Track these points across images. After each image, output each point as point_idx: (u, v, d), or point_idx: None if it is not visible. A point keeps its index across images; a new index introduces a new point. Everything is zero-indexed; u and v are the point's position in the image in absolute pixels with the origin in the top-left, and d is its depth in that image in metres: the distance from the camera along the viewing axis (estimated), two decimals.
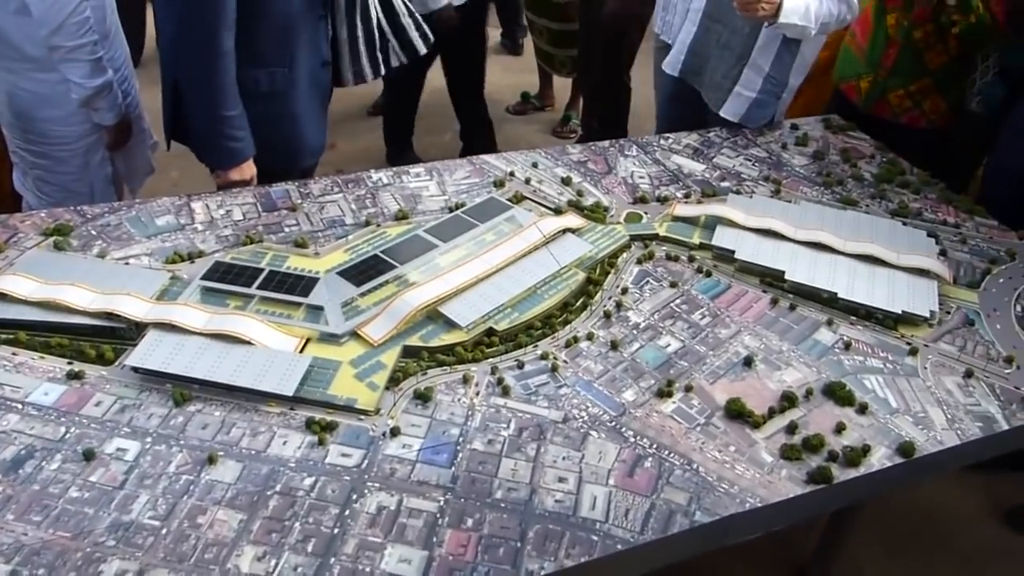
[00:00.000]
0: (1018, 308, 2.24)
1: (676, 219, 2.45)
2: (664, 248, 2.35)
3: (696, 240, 2.38)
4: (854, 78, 3.09)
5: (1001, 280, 2.35)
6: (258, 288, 2.02)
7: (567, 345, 2.00)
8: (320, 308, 1.99)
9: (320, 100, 2.53)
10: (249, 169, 2.44)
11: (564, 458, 1.73)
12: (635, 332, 2.06)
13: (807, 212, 2.50)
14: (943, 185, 2.75)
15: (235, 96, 2.29)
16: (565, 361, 1.96)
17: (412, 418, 1.78)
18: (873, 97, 3.04)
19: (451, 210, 2.38)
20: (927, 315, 2.16)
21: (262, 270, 2.08)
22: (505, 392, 1.85)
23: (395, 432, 1.75)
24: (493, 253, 2.18)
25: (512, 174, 2.59)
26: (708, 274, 2.27)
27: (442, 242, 2.20)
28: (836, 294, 2.20)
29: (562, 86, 5.34)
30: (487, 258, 2.16)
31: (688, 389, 1.91)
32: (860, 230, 2.43)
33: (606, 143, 2.83)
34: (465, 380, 1.87)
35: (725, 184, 2.67)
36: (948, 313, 2.21)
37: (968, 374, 2.01)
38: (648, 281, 2.23)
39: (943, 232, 2.52)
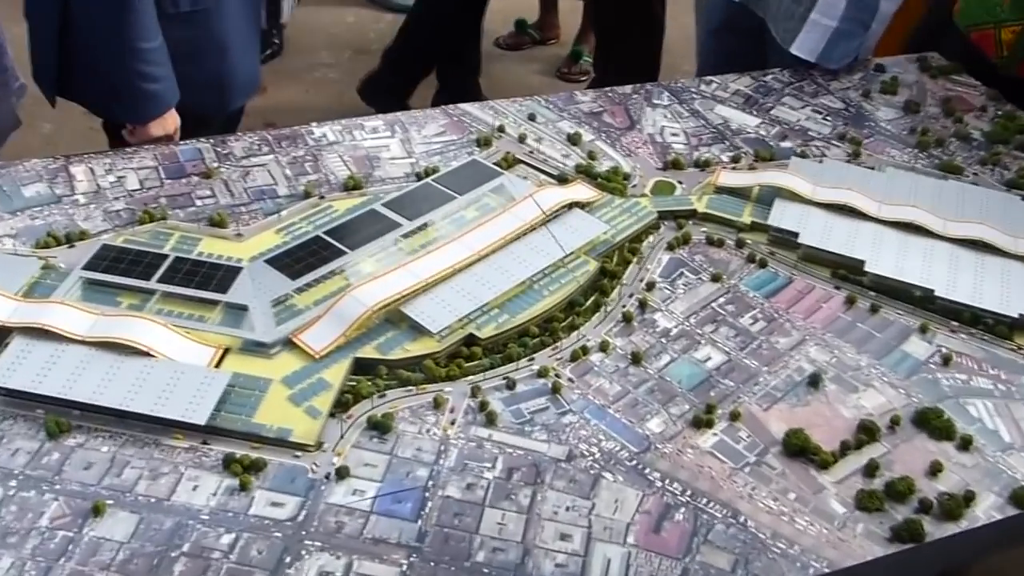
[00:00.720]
0: None
1: (720, 190, 2.46)
2: (704, 229, 2.37)
3: (747, 219, 2.39)
4: (991, 24, 3.04)
5: None
6: (160, 281, 2.03)
7: (573, 358, 2.01)
8: (243, 308, 2.00)
9: (252, 20, 2.55)
10: (172, 120, 2.45)
11: (568, 508, 1.74)
12: (664, 341, 2.07)
13: (895, 182, 2.51)
14: None
15: (153, 22, 2.30)
16: (571, 380, 1.97)
17: (365, 455, 1.80)
18: (1020, 54, 3.01)
19: (419, 177, 2.39)
20: None
21: (165, 257, 2.09)
22: (490, 420, 1.87)
23: (343, 473, 1.76)
24: (475, 235, 2.19)
25: (502, 129, 2.60)
26: (762, 264, 2.29)
27: (407, 220, 2.21)
28: (933, 292, 2.22)
29: (570, 11, 5.36)
30: (467, 242, 2.17)
31: (734, 417, 1.93)
32: (966, 207, 2.44)
33: (628, 88, 2.85)
34: (436, 404, 1.88)
35: (786, 144, 2.68)
36: None
37: None
38: (682, 273, 2.24)
39: None
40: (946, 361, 2.08)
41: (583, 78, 5.12)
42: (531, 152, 2.54)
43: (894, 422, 1.94)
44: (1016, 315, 2.17)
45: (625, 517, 1.74)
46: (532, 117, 2.66)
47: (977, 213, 2.42)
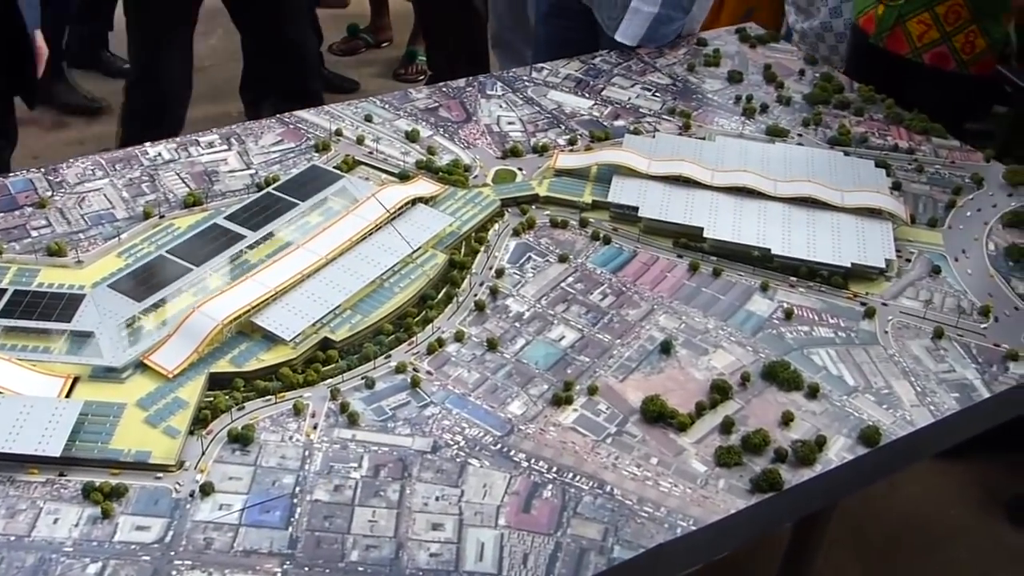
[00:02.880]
0: (991, 247, 2.38)
1: (560, 173, 2.50)
2: (547, 212, 2.40)
3: (588, 198, 2.43)
4: (872, 5, 3.18)
5: (968, 213, 2.49)
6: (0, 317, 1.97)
7: (430, 351, 2.02)
8: (89, 334, 1.95)
9: None
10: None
11: (438, 498, 1.75)
12: (518, 325, 2.09)
13: (726, 150, 2.58)
14: (890, 100, 2.89)
15: None
16: (429, 372, 1.98)
17: (229, 468, 1.77)
18: (888, 25, 3.11)
19: (260, 188, 2.37)
20: (883, 266, 2.27)
21: (3, 292, 2.02)
22: (352, 421, 1.86)
23: (207, 490, 1.73)
24: (321, 240, 2.18)
25: (339, 133, 2.59)
26: (606, 241, 2.33)
27: (251, 231, 2.18)
28: (770, 250, 2.29)
29: (402, 14, 5.35)
30: (313, 247, 2.16)
31: (592, 391, 1.96)
32: (793, 167, 2.53)
33: (461, 82, 2.86)
34: (297, 411, 1.87)
35: (620, 123, 2.73)
36: (908, 261, 2.33)
37: (938, 334, 2.13)
38: (530, 257, 2.27)
39: (895, 160, 2.65)
40: (788, 315, 2.15)
41: (420, 77, 5.12)
42: (371, 153, 2.53)
43: (744, 379, 2.00)
44: (848, 265, 2.26)
45: (495, 500, 1.75)
46: (369, 118, 2.65)
47: (804, 172, 2.50)
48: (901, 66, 3.13)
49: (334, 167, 2.42)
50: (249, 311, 2.01)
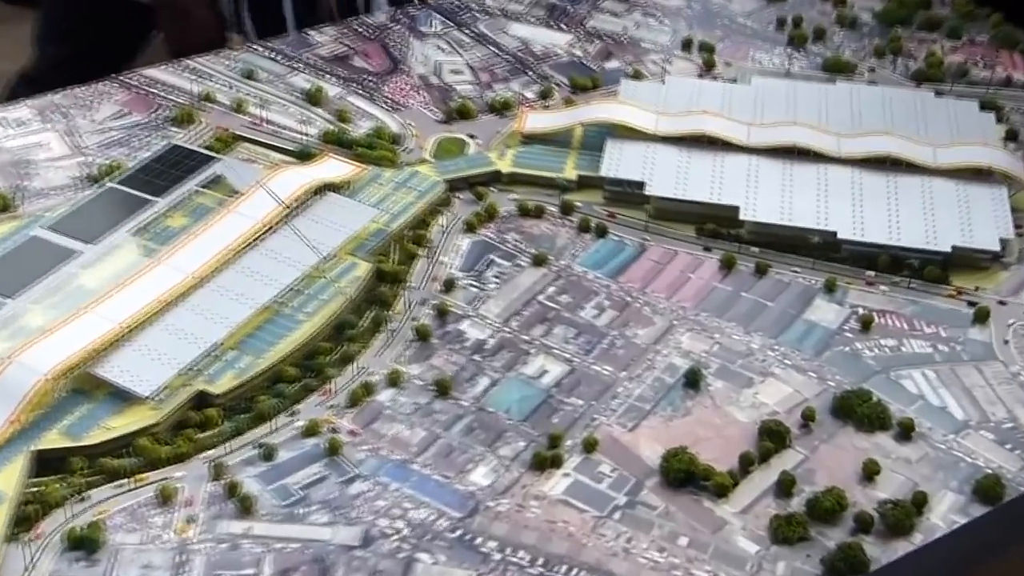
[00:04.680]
0: None
1: (529, 140, 2.51)
2: (514, 196, 2.41)
3: (571, 174, 2.44)
4: None
5: None
6: None
7: (353, 403, 2.01)
8: None
9: None
10: None
11: None
12: (479, 359, 2.09)
13: (766, 96, 2.60)
14: (998, 15, 2.92)
15: None
16: (353, 433, 1.97)
17: None
18: None
19: (95, 181, 2.36)
20: (997, 249, 2.28)
21: None
22: (245, 508, 1.85)
23: None
24: (188, 251, 2.17)
25: (208, 97, 2.59)
26: (601, 232, 2.34)
27: (85, 244, 2.18)
28: (835, 234, 2.30)
29: None
30: (177, 262, 2.15)
31: (590, 447, 1.96)
32: (864, 115, 2.54)
33: (382, 17, 2.87)
34: (164, 498, 1.86)
35: (613, 65, 2.74)
36: None
37: None
38: (492, 261, 2.27)
39: (1008, 99, 2.68)
40: (866, 325, 2.17)
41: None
42: (255, 123, 2.53)
43: (807, 417, 2.01)
44: (948, 249, 2.28)
45: None
46: (250, 74, 2.66)
47: (880, 121, 2.52)
48: None
49: (203, 146, 2.42)
50: (88, 358, 2.00)
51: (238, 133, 2.46)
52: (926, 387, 2.07)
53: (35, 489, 1.87)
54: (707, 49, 2.72)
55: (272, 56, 2.67)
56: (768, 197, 2.34)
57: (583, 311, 2.17)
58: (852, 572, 1.81)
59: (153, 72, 2.62)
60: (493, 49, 2.71)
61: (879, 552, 1.84)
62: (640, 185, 2.35)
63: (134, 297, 2.10)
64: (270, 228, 2.24)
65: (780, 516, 1.87)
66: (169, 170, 2.31)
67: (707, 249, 2.29)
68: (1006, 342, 2.14)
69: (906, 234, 2.28)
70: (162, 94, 2.54)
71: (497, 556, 1.82)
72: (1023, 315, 2.20)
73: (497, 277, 2.23)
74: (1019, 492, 1.93)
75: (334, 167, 2.36)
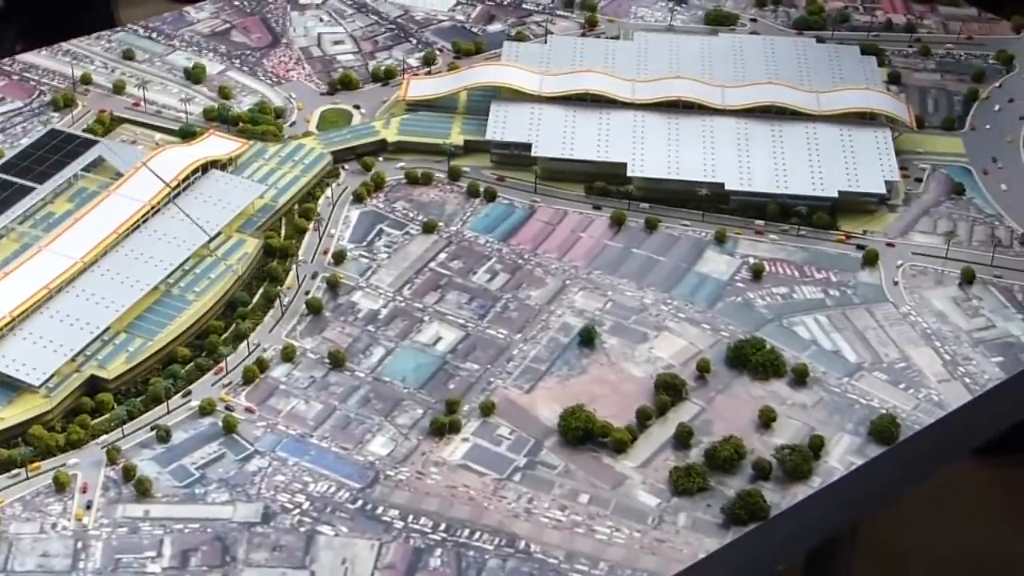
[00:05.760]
0: None
1: (414, 107, 2.52)
2: (401, 164, 2.42)
3: (457, 139, 2.46)
4: None
5: (997, 107, 2.57)
6: None
7: (248, 380, 2.02)
8: None
9: None
10: None
11: None
12: (372, 330, 2.10)
13: (649, 50, 2.63)
14: None
15: None
16: (249, 410, 1.97)
17: None
18: None
19: None
20: (883, 191, 2.32)
21: None
22: (142, 491, 1.85)
23: None
24: (72, 236, 2.16)
25: (87, 80, 2.58)
26: (490, 196, 2.35)
27: None
28: (723, 185, 2.33)
29: None
30: (61, 247, 2.13)
31: (487, 411, 1.98)
32: (747, 65, 2.58)
33: None
34: (60, 486, 1.85)
35: (495, 28, 2.75)
36: (919, 181, 2.39)
37: (967, 278, 2.19)
38: (382, 231, 2.28)
39: (889, 43, 2.72)
40: (757, 274, 2.21)
41: None
42: (136, 104, 2.53)
43: (702, 369, 2.04)
44: (835, 195, 2.31)
45: None
46: (129, 55, 2.66)
47: (763, 71, 2.56)
48: None
49: (83, 130, 2.42)
50: None
51: (119, 115, 2.43)
52: (819, 332, 2.11)
53: None
54: (589, 8, 2.74)
55: (150, 36, 2.64)
56: (655, 152, 2.36)
57: (475, 276, 2.19)
58: (752, 519, 1.84)
59: (29, 57, 2.61)
60: (375, 18, 2.72)
61: (779, 498, 1.87)
62: (527, 147, 2.37)
63: (20, 286, 2.09)
64: (155, 209, 2.23)
65: (679, 468, 1.90)
66: (48, 155, 2.29)
67: (597, 208, 2.31)
68: (896, 283, 2.18)
69: (793, 182, 2.31)
70: (39, 79, 2.51)
71: (399, 524, 1.83)
72: (911, 256, 2.22)
73: (387, 247, 2.24)
74: (913, 430, 1.96)
75: (218, 144, 2.36)
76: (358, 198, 2.34)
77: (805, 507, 1.88)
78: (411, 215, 2.32)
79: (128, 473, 1.87)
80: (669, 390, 2.00)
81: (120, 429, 1.95)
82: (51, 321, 2.06)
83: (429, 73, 2.63)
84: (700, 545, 1.81)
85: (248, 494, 1.86)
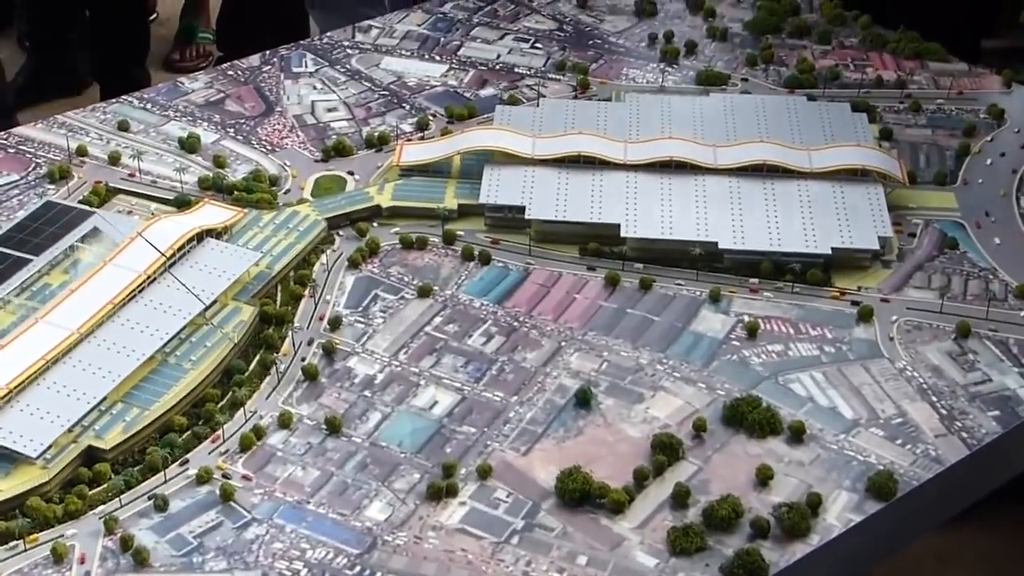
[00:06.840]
0: None
1: (407, 172, 2.54)
2: (396, 230, 2.43)
3: (451, 203, 2.46)
4: None
5: (989, 161, 2.58)
6: None
7: (244, 447, 2.02)
8: None
9: None
10: None
11: None
12: (368, 395, 2.10)
13: (641, 112, 2.63)
14: (865, 18, 2.98)
15: None
16: (246, 478, 1.98)
17: None
18: None
19: None
20: (876, 247, 2.33)
21: None
22: (140, 561, 1.84)
23: None
24: (69, 307, 2.16)
25: (82, 152, 2.59)
26: (485, 260, 2.36)
27: None
28: (716, 245, 2.34)
29: None
30: (58, 319, 2.14)
31: (484, 474, 1.97)
32: (738, 124, 2.59)
33: (254, 59, 2.88)
34: (58, 557, 1.85)
35: (488, 92, 2.77)
36: (912, 236, 2.40)
37: (963, 333, 2.20)
38: (377, 296, 2.29)
39: (880, 99, 2.73)
40: (752, 332, 2.20)
41: (204, 62, 5.13)
42: (131, 175, 2.54)
43: (699, 428, 2.04)
44: (828, 251, 2.32)
45: None
46: (124, 126, 2.67)
47: (754, 129, 2.57)
48: None
49: (79, 201, 2.42)
50: None
51: (114, 186, 2.45)
52: (815, 389, 2.11)
53: None
54: (580, 70, 2.75)
55: (145, 106, 2.67)
56: (648, 213, 2.37)
57: (471, 339, 2.19)
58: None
59: (25, 131, 2.61)
60: (367, 84, 2.73)
61: (777, 556, 1.87)
62: (520, 209, 2.37)
63: (17, 358, 2.09)
64: (151, 278, 2.24)
65: (677, 528, 1.90)
66: (44, 227, 2.30)
67: (591, 268, 2.32)
68: (891, 338, 2.18)
69: (786, 239, 2.32)
70: (35, 151, 2.54)
71: None
72: (905, 311, 2.23)
73: (383, 312, 2.25)
74: (911, 486, 1.97)
75: (212, 213, 2.36)
76: (353, 264, 2.36)
77: (804, 565, 1.88)
78: (406, 280, 2.33)
79: (126, 543, 1.87)
80: (666, 450, 2.01)
81: (118, 499, 1.96)
82: (48, 392, 2.06)
83: (423, 138, 2.65)
84: None
85: (246, 562, 1.87)
